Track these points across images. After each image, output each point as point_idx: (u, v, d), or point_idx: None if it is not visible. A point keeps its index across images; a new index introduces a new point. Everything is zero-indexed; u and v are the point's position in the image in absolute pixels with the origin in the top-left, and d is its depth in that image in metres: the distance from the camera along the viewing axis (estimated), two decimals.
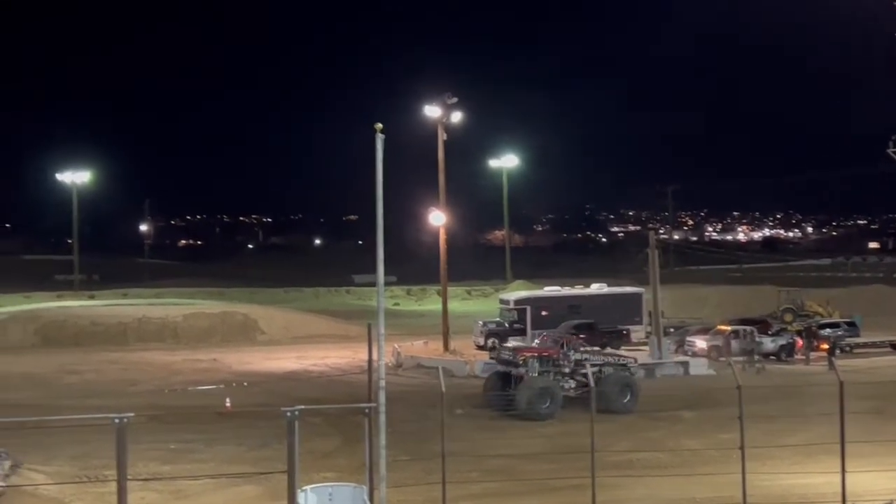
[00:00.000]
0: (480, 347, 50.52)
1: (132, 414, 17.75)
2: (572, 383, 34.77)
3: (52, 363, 47.62)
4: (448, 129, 49.66)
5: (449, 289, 54.57)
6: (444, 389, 21.30)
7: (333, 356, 49.50)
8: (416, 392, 36.89)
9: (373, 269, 18.50)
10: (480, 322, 53.58)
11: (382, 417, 17.86)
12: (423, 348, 50.30)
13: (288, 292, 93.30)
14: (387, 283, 18.77)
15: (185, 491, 23.92)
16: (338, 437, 29.48)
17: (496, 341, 49.11)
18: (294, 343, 55.93)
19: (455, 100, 49.47)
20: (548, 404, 33.15)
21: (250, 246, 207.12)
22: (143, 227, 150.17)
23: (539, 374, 34.61)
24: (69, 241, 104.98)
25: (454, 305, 58.31)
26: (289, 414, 17.06)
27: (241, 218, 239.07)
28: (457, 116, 49.53)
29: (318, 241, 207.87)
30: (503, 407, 33.06)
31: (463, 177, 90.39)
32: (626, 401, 34.44)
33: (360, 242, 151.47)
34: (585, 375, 31.67)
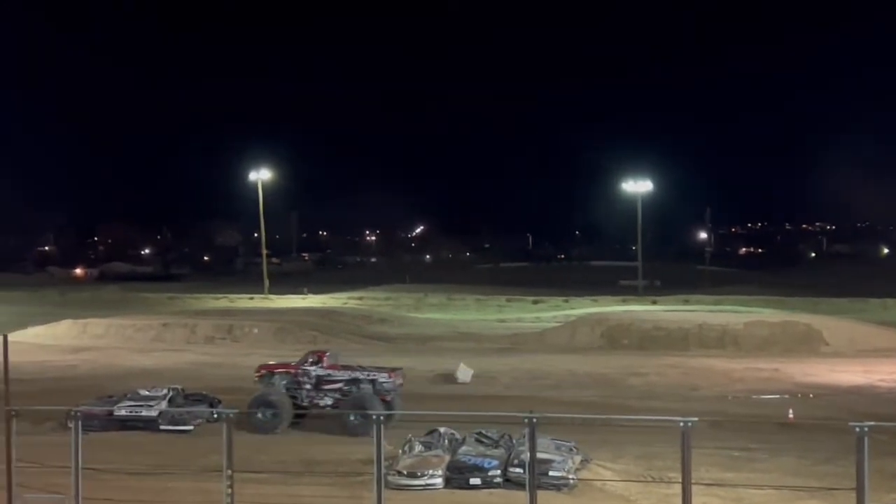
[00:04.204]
0: None
1: (696, 419, 18.19)
2: (328, 400, 33.57)
3: (616, 364, 49.66)
4: None
5: None
6: None
7: None
8: None
9: None
10: None
11: None
12: None
13: (852, 303, 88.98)
14: None
15: (746, 500, 23.90)
16: None
17: None
18: (860, 356, 53.13)
19: None
20: (269, 417, 32.09)
21: (813, 254, 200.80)
22: (703, 235, 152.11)
23: (287, 390, 33.51)
24: (633, 247, 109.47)
25: None
26: (857, 429, 16.46)
27: (804, 226, 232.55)
28: None
29: (886, 250, 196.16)
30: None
31: None
32: (355, 422, 31.39)
33: None
34: (340, 391, 33.15)
